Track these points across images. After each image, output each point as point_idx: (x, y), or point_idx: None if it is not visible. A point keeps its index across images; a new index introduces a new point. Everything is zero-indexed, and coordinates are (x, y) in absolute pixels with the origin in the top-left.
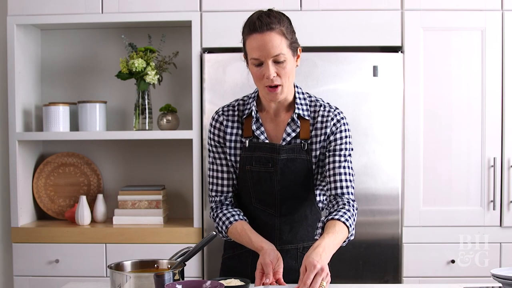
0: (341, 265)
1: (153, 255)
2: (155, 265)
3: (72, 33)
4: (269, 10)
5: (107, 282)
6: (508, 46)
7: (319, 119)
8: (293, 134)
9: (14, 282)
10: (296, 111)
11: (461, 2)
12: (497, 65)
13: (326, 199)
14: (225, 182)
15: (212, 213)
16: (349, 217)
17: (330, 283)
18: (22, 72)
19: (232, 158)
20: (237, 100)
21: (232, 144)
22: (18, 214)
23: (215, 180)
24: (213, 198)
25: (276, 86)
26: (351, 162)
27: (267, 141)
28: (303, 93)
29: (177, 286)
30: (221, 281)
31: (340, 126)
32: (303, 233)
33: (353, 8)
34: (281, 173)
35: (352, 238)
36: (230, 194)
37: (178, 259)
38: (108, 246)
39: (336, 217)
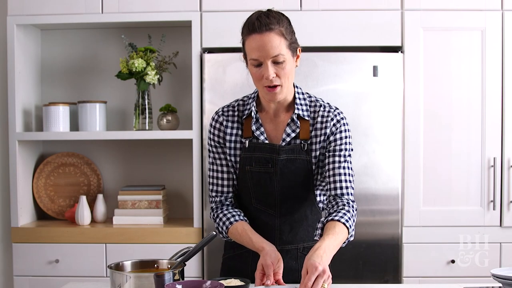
0: (341, 265)
1: (153, 255)
2: (155, 265)
3: (72, 33)
4: (268, 10)
5: (107, 282)
6: (508, 46)
7: (319, 119)
8: (293, 135)
9: (14, 282)
10: (296, 111)
11: (461, 2)
12: (497, 65)
13: (325, 199)
14: (225, 183)
15: (212, 214)
16: (349, 218)
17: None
18: (22, 72)
19: (232, 159)
20: (237, 101)
21: (232, 145)
22: (18, 214)
23: (215, 181)
24: (213, 199)
25: (275, 86)
26: (351, 163)
27: (266, 141)
28: (303, 93)
29: (177, 286)
30: (221, 281)
31: (340, 126)
32: (303, 233)
33: (353, 8)
34: (281, 173)
35: (351, 239)
36: (230, 195)
37: (178, 259)
38: (108, 246)
39: (336, 218)
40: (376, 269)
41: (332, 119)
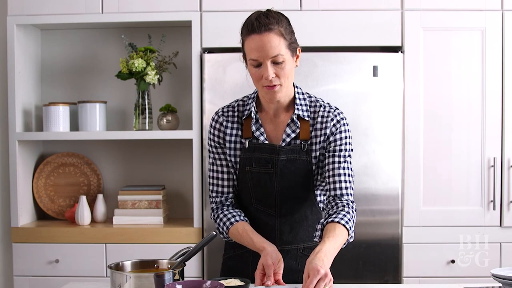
0: (341, 265)
1: (153, 255)
2: (155, 265)
3: (72, 33)
4: (267, 10)
5: (107, 282)
6: (508, 46)
7: (319, 119)
8: (293, 135)
9: (14, 282)
10: (296, 111)
11: (461, 2)
12: (497, 65)
13: (325, 200)
14: (226, 183)
15: (212, 214)
16: (349, 219)
17: None
18: (22, 72)
19: (232, 159)
20: (236, 101)
21: (232, 145)
22: (18, 214)
23: (215, 181)
24: (213, 199)
25: (275, 85)
26: (351, 163)
27: (266, 142)
28: (303, 93)
29: (177, 286)
30: (221, 281)
31: (340, 126)
32: (303, 233)
33: (353, 8)
34: (281, 174)
35: (351, 240)
36: (230, 195)
37: (178, 259)
38: (108, 246)
39: (336, 219)
40: (376, 269)
41: (332, 119)
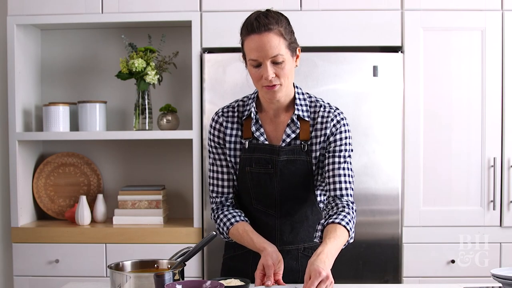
0: (341, 265)
1: (153, 255)
2: (155, 265)
3: (72, 33)
4: (267, 10)
5: (107, 282)
6: (508, 46)
7: (319, 119)
8: (293, 135)
9: (14, 282)
10: (296, 112)
11: (461, 2)
12: (497, 65)
13: (325, 200)
14: (226, 183)
15: (213, 214)
16: (349, 220)
17: None
18: (22, 72)
19: (232, 160)
20: (236, 101)
21: (232, 146)
22: (18, 214)
23: (215, 181)
24: (213, 199)
25: (274, 85)
26: (351, 164)
27: (266, 142)
28: (303, 94)
29: (177, 286)
30: (221, 281)
31: (340, 127)
32: (304, 233)
33: (353, 8)
34: (281, 174)
35: (351, 241)
36: (230, 195)
37: (178, 259)
38: (108, 246)
39: (337, 220)
40: (376, 269)
41: (332, 120)
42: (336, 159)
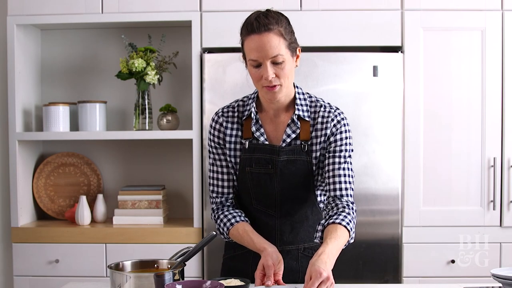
0: (341, 265)
1: (153, 255)
2: (155, 265)
3: (72, 33)
4: (267, 10)
5: (107, 282)
6: (508, 46)
7: (319, 120)
8: (293, 135)
9: (14, 282)
10: (296, 112)
11: (461, 2)
12: (497, 65)
13: (325, 200)
14: (226, 184)
15: (213, 215)
16: (350, 220)
17: None
18: (22, 72)
19: (232, 160)
20: (236, 101)
21: (232, 146)
22: (18, 214)
23: (215, 182)
24: (214, 200)
25: (275, 85)
26: (351, 164)
27: (266, 142)
28: (303, 94)
29: (177, 286)
30: (221, 281)
31: (340, 127)
32: (304, 233)
33: (353, 8)
34: (281, 174)
35: (351, 241)
36: (231, 195)
37: (178, 259)
38: (108, 246)
39: (337, 221)
40: (376, 269)
41: (332, 120)
42: (336, 159)
